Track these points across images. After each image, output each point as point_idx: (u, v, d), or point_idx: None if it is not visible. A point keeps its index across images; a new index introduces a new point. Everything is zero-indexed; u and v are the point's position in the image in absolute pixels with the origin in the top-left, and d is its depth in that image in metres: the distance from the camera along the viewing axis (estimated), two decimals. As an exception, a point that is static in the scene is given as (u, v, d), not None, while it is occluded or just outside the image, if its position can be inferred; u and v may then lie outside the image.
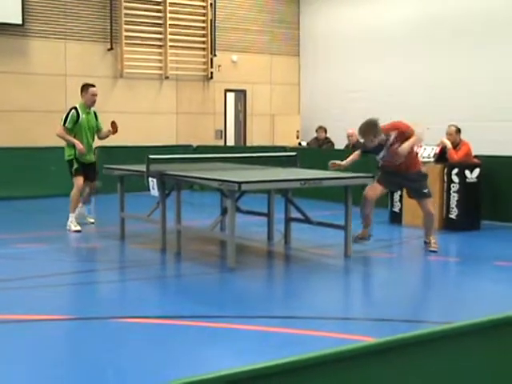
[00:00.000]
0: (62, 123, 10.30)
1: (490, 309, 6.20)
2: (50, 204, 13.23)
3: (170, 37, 17.50)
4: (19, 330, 5.62)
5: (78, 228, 10.14)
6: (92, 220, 10.85)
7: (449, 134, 10.93)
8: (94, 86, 10.55)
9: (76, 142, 10.21)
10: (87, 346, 5.26)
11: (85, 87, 10.52)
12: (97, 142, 11.13)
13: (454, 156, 10.65)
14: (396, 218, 11.03)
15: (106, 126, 10.64)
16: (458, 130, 10.96)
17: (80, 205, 10.57)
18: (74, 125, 10.27)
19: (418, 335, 2.15)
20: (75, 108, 10.38)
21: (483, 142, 12.06)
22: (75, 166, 10.28)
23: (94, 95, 10.43)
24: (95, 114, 10.60)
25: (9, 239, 9.59)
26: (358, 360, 2.00)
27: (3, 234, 10.01)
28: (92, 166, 10.61)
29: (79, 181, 10.28)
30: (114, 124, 10.51)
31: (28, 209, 12.83)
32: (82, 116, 10.33)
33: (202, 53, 18.22)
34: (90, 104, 10.44)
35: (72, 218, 10.20)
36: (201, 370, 1.71)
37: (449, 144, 10.75)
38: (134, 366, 4.76)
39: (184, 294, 6.90)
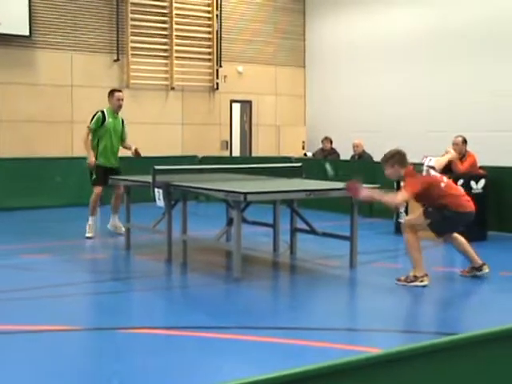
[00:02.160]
0: (91, 127, 10.48)
1: (496, 319, 6.18)
2: (56, 214, 13.26)
3: (175, 48, 17.56)
4: (25, 341, 5.62)
5: (90, 235, 10.32)
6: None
7: (455, 144, 10.93)
8: (120, 91, 10.87)
9: (90, 154, 10.40)
10: (93, 357, 5.27)
11: (111, 92, 10.73)
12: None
13: (460, 167, 10.64)
14: (401, 229, 10.99)
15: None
16: (465, 141, 10.95)
17: (112, 216, 10.79)
18: (98, 127, 10.43)
19: (424, 346, 2.15)
20: (102, 111, 10.54)
21: (490, 153, 12.06)
22: (94, 176, 10.48)
23: (120, 100, 10.61)
24: (122, 121, 10.81)
25: (14, 250, 9.62)
26: (364, 371, 2.01)
27: (8, 244, 10.03)
28: (115, 171, 10.57)
29: (97, 190, 10.53)
30: (136, 152, 10.67)
31: (34, 219, 12.84)
32: (109, 120, 10.50)
33: (208, 64, 18.28)
34: (116, 108, 10.62)
35: (91, 221, 10.42)
36: (206, 381, 1.73)
37: (455, 155, 10.74)
38: (140, 377, 4.76)
39: (190, 305, 6.90)
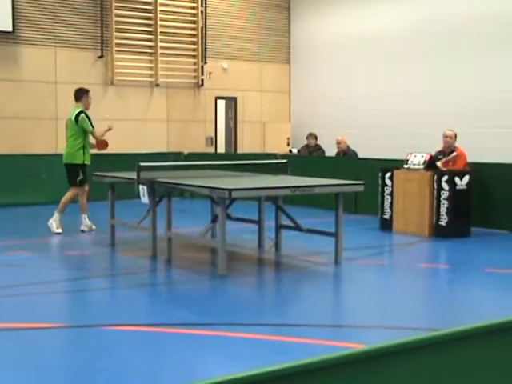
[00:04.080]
0: (90, 130, 10.57)
1: (480, 315, 6.21)
2: (40, 211, 13.16)
3: (160, 44, 17.50)
4: (9, 338, 5.59)
5: (60, 231, 10.39)
6: (94, 226, 10.82)
7: (446, 137, 10.97)
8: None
9: (106, 128, 10.71)
10: (77, 354, 5.24)
11: (84, 92, 10.82)
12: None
13: (455, 167, 10.75)
14: (386, 225, 11.04)
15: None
16: (455, 136, 11.02)
17: (85, 217, 10.71)
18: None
19: (409, 342, 2.15)
20: (83, 112, 10.62)
21: (478, 150, 12.13)
22: (81, 176, 10.57)
23: (91, 98, 10.91)
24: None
25: (-1, 247, 9.56)
26: (348, 367, 2.00)
27: (-7, 241, 9.97)
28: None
29: (86, 187, 10.68)
30: None
31: (18, 216, 12.78)
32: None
33: (193, 60, 18.23)
34: (88, 107, 10.78)
35: (57, 217, 10.49)
36: (191, 378, 1.72)
37: (442, 168, 10.78)
38: (125, 374, 4.74)
39: (174, 302, 6.88)
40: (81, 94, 10.80)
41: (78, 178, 10.59)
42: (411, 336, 2.20)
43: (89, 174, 10.57)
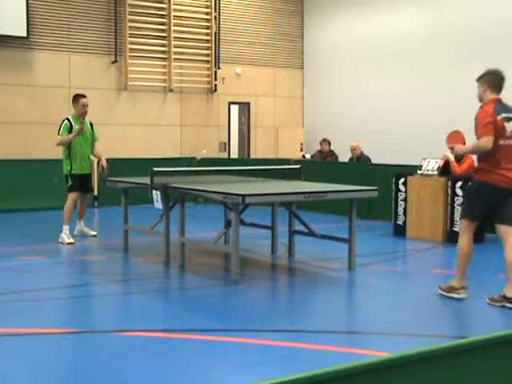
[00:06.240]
0: (57, 133, 10.43)
1: (495, 323, 6.17)
2: (52, 217, 13.20)
3: (174, 49, 17.54)
4: (22, 344, 5.59)
5: (72, 240, 10.21)
6: (94, 232, 10.82)
7: None
8: (84, 96, 10.63)
9: (73, 135, 10.24)
10: (90, 360, 5.23)
11: (76, 98, 10.62)
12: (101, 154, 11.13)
13: (457, 169, 10.62)
14: (400, 231, 11.00)
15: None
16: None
17: (78, 222, 10.72)
18: (68, 134, 10.32)
19: (427, 351, 2.13)
20: (67, 119, 10.47)
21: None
22: (70, 183, 10.45)
23: (85, 106, 10.49)
24: (91, 124, 10.70)
25: (11, 252, 9.56)
26: (365, 376, 1.98)
27: (6, 246, 9.99)
28: (88, 178, 10.75)
29: (73, 196, 10.46)
30: (103, 167, 10.58)
31: (30, 221, 12.81)
32: (76, 126, 10.36)
33: (206, 65, 18.25)
34: (81, 114, 10.49)
35: (65, 229, 10.28)
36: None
37: (451, 157, 10.73)
38: (138, 380, 4.73)
39: (188, 307, 6.87)
40: (72, 101, 10.70)
41: (67, 185, 10.50)
42: (425, 344, 2.17)
43: (102, 181, 10.51)
